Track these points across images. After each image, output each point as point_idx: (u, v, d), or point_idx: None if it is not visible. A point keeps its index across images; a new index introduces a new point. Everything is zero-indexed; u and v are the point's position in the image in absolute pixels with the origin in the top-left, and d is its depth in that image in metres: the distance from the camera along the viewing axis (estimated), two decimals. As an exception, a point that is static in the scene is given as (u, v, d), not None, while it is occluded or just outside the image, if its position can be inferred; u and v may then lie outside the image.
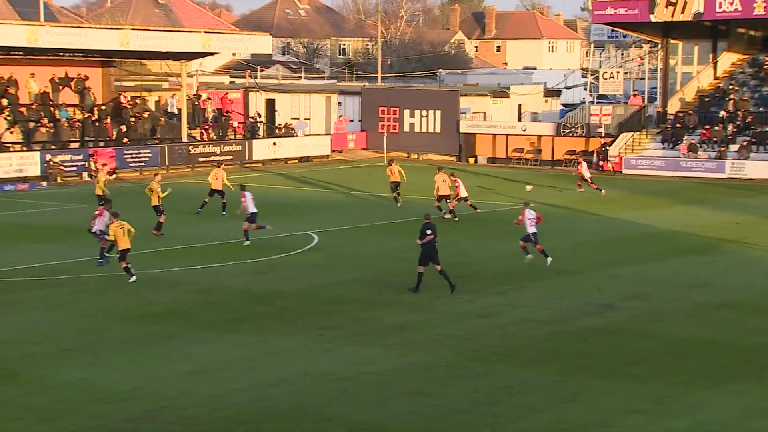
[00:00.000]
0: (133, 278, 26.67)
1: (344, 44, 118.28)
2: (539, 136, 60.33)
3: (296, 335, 21.77)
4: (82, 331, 21.91)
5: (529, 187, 41.16)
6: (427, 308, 24.45)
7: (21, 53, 51.51)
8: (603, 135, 57.88)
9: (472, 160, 61.68)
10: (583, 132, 58.88)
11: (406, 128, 64.06)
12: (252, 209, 31.93)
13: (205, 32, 57.61)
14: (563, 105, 72.28)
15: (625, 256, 31.22)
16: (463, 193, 38.25)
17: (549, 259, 28.78)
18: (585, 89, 72.23)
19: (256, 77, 76.09)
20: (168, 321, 22.86)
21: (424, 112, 63.62)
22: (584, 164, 46.86)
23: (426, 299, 25.39)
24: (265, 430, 16.02)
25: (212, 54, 60.62)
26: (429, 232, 25.68)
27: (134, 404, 17.05)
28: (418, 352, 20.56)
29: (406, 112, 64.16)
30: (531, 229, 28.85)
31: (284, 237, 33.04)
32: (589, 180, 45.48)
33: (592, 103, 62.37)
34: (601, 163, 56.32)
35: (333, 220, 37.96)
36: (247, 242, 31.57)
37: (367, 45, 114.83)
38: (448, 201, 38.00)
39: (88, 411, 16.66)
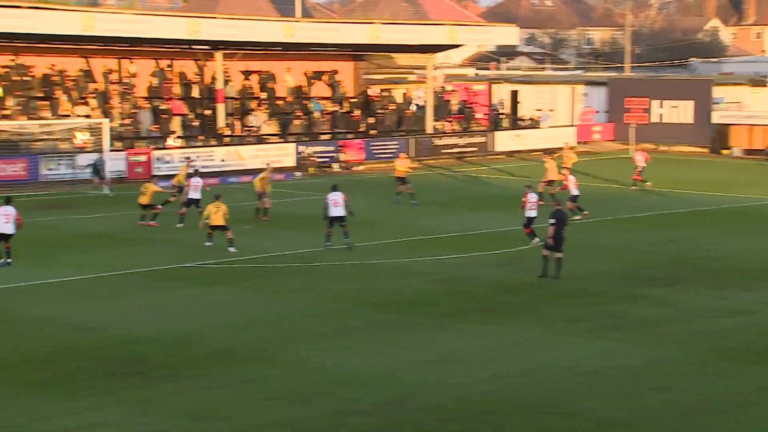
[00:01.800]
0: (232, 249, 28.87)
1: (591, 34, 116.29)
2: (802, 127, 57.13)
3: (541, 327, 21.64)
4: (333, 316, 22.61)
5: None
6: (677, 304, 23.74)
7: (279, 48, 53.75)
8: None
9: (726, 152, 59.19)
10: None
11: (655, 119, 62.29)
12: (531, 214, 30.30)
13: (452, 24, 58.10)
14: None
15: None
16: (573, 191, 35.49)
17: (535, 240, 29.22)
18: None
19: (500, 69, 76.02)
20: (414, 310, 23.21)
21: (675, 103, 61.64)
22: None
23: (676, 294, 24.71)
24: (509, 422, 16.02)
25: (458, 46, 61.10)
26: (552, 221, 25.74)
27: (382, 390, 17.44)
28: (668, 348, 20.01)
29: (655, 102, 62.37)
30: (531, 213, 29.49)
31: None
32: None
33: None
34: None
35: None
36: (536, 239, 29.87)
37: (615, 34, 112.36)
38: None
39: (340, 394, 17.19)
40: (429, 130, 57.59)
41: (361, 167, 51.91)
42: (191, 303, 23.68)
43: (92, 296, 24.13)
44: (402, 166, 40.13)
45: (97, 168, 41.29)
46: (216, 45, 49.57)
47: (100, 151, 42.84)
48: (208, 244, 29.70)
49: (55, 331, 20.80)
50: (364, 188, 41.38)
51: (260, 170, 37.48)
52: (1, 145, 42.88)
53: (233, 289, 25.01)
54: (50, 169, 43.09)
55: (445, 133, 58.12)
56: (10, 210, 27.39)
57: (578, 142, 61.93)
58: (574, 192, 35.18)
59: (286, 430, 15.43)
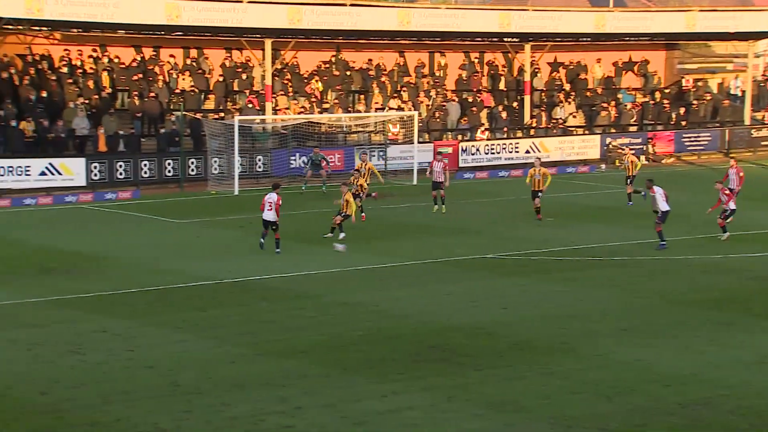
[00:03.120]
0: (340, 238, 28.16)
1: None
2: None
3: None
4: (637, 311, 22.17)
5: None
6: None
7: (588, 39, 53.17)
8: None
9: None
10: None
11: None
12: None
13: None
14: None
15: None
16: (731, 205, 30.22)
17: None
18: None
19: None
20: (725, 308, 22.39)
21: None
22: None
23: None
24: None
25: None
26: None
27: (690, 389, 16.94)
28: None
29: None
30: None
31: None
32: None
33: None
34: None
35: None
36: None
37: None
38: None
39: (644, 391, 16.86)
40: (747, 121, 54.95)
41: (670, 159, 50.38)
42: (494, 294, 23.95)
43: (399, 284, 24.95)
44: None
45: (314, 162, 40.92)
46: (526, 37, 49.77)
47: (410, 142, 44.20)
48: None
49: (364, 317, 21.67)
50: (675, 182, 40.17)
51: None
52: (322, 138, 45.16)
53: (534, 281, 25.09)
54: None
55: (764, 124, 55.24)
56: (273, 197, 27.54)
57: None
58: None
59: (589, 426, 15.31)
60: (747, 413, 15.80)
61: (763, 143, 53.55)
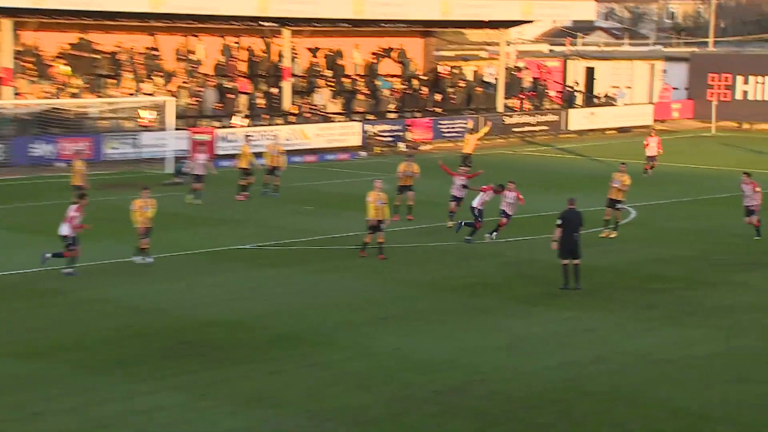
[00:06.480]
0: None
1: (673, 7, 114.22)
2: None
3: (613, 313, 21.33)
4: (398, 300, 22.47)
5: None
6: (760, 290, 23.24)
7: (347, 25, 53.59)
8: None
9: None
10: None
11: (739, 96, 61.05)
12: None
13: (527, -1, 57.48)
14: None
15: None
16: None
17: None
18: None
19: (575, 45, 75.04)
20: (480, 293, 23.04)
21: (760, 79, 60.37)
22: None
23: (757, 279, 24.17)
24: (577, 411, 15.76)
25: (532, 21, 60.38)
26: (559, 222, 23.11)
27: (446, 376, 17.29)
28: (748, 337, 19.60)
29: (740, 78, 61.12)
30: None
31: (600, 211, 32.41)
32: None
33: None
34: None
35: (652, 193, 36.91)
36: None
37: (699, 8, 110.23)
38: None
39: (401, 380, 17.06)
40: (500, 108, 57.07)
41: (428, 146, 51.64)
42: (251, 285, 23.73)
43: (154, 277, 24.29)
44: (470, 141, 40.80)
45: (182, 172, 40.45)
46: (284, 21, 49.61)
47: (164, 129, 43.18)
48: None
49: (114, 313, 20.96)
50: (433, 169, 41.18)
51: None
52: (67, 124, 43.39)
53: (295, 272, 25.00)
54: (113, 148, 43.52)
55: (516, 111, 57.55)
56: (72, 208, 24.91)
57: (655, 121, 60.95)
58: None
59: (347, 418, 15.35)
60: (498, 398, 16.25)
61: (515, 130, 55.75)
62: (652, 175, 40.89)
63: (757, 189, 29.05)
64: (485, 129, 44.70)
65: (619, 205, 29.42)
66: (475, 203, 28.57)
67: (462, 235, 28.47)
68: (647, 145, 41.85)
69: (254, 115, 49.29)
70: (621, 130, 59.52)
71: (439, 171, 31.72)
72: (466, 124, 48.95)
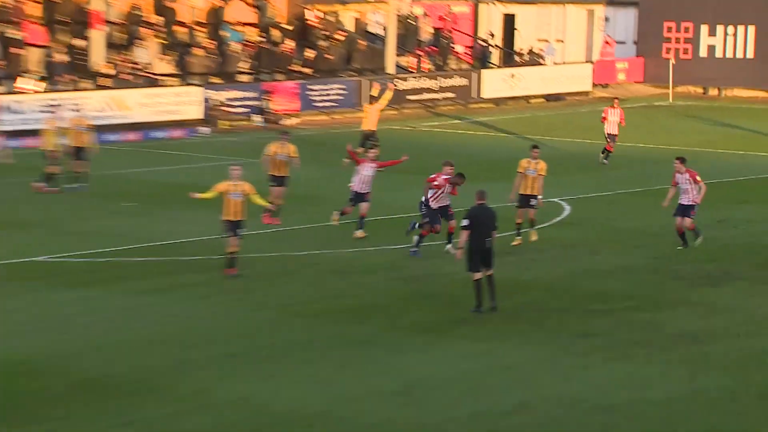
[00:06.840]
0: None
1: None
2: None
3: (541, 344, 21.62)
4: (252, 330, 22.43)
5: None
6: (730, 311, 23.87)
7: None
8: None
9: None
10: None
11: (703, 53, 62.56)
12: None
13: None
14: None
15: None
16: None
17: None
18: None
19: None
20: (364, 320, 23.11)
21: (731, 29, 61.85)
22: None
23: (726, 296, 24.77)
24: (496, 478, 15.90)
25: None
26: (466, 223, 23.22)
27: (317, 433, 17.25)
28: (717, 373, 20.01)
29: (704, 28, 62.57)
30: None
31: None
32: None
33: None
34: None
35: (591, 183, 37.64)
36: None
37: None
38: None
39: (254, 441, 17.05)
40: (390, 69, 57.34)
41: (293, 120, 51.56)
42: (50, 313, 23.46)
43: None
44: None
45: None
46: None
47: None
48: None
49: None
50: (302, 149, 41.13)
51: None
52: None
53: (106, 293, 24.77)
54: None
55: (412, 72, 57.92)
56: None
57: (596, 84, 62.06)
58: None
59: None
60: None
61: (410, 98, 55.97)
62: (608, 163, 41.23)
63: (698, 180, 28.96)
64: (388, 95, 43.89)
65: (533, 201, 29.32)
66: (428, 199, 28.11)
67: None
68: (605, 119, 41.94)
69: (52, 77, 48.58)
70: (550, 97, 60.42)
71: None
72: (370, 90, 48.57)
